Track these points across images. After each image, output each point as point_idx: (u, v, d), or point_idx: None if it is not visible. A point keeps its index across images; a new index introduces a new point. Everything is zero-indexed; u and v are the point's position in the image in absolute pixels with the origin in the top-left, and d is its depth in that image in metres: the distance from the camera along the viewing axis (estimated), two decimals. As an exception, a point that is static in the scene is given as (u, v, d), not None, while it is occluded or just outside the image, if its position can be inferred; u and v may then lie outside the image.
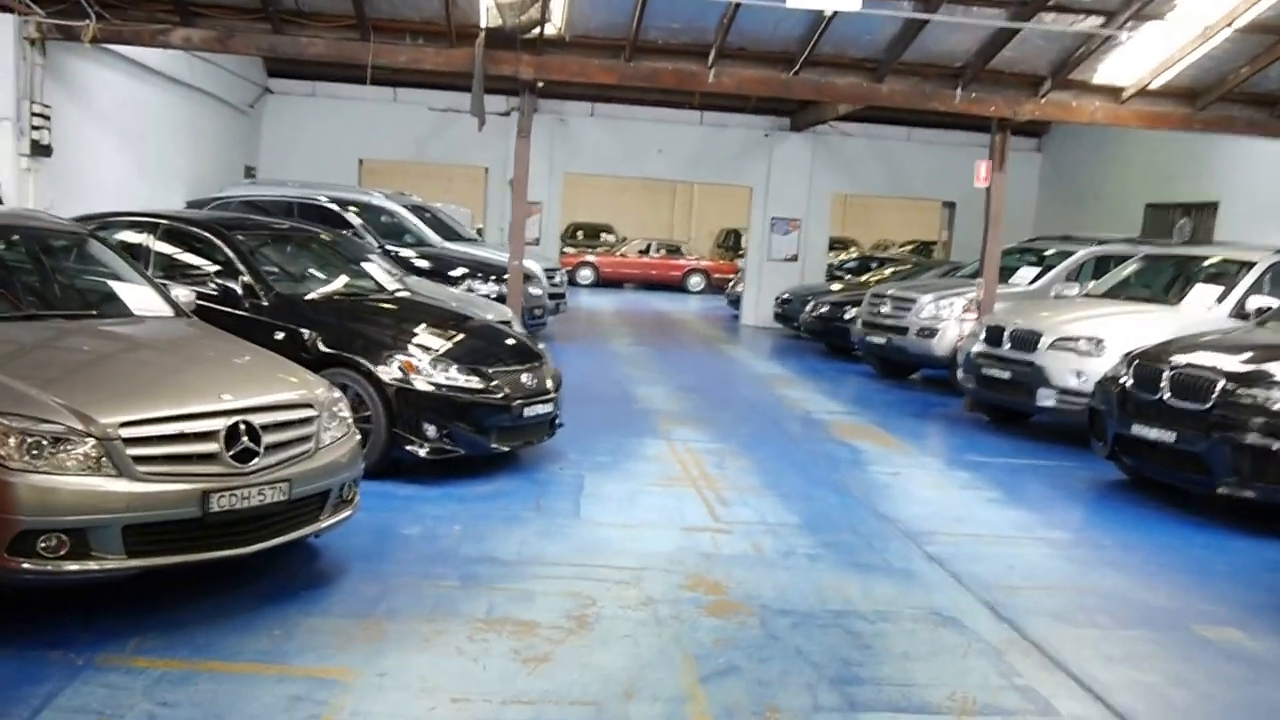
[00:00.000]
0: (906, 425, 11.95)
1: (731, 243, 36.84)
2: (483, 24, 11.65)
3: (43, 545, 4.59)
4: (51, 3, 11.07)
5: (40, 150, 11.19)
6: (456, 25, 11.84)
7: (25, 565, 4.58)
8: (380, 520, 6.86)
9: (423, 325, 8.52)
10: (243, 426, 5.16)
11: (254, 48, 12.44)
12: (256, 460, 5.17)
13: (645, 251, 35.37)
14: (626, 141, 22.33)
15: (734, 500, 8.08)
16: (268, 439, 5.26)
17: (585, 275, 34.06)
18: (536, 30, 11.89)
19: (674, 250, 35.79)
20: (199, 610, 5.16)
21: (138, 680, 4.43)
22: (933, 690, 4.87)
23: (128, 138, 14.33)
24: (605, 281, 33.96)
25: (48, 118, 11.30)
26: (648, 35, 12.43)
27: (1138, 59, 12.75)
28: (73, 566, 4.67)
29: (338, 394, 5.98)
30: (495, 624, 5.32)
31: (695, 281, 34.39)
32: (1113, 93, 13.25)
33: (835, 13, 11.52)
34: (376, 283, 9.64)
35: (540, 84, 12.97)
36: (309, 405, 5.64)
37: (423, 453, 7.76)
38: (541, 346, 9.28)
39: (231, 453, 5.09)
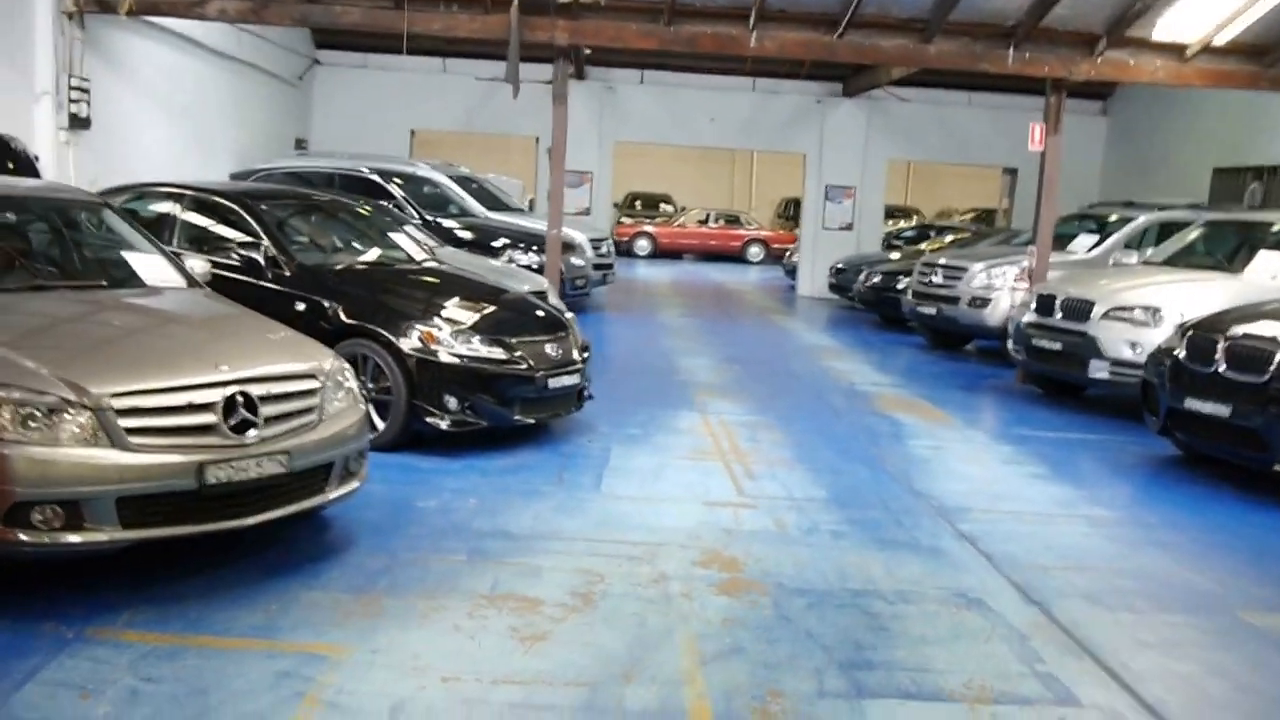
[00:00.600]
0: (953, 398, 11.63)
1: (792, 212, 36.36)
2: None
3: (37, 517, 4.53)
4: (90, -23, 11.08)
5: (79, 123, 11.21)
6: (491, -9, 11.69)
7: (20, 537, 4.52)
8: (396, 493, 6.76)
9: (448, 296, 8.39)
10: (240, 398, 5.06)
11: (288, 18, 12.38)
12: (254, 432, 5.07)
13: (704, 221, 35.07)
14: (676, 109, 22.04)
15: (762, 474, 7.87)
16: (267, 410, 5.16)
17: (643, 246, 33.86)
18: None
19: (733, 220, 35.45)
20: (196, 584, 5.07)
21: (124, 654, 4.35)
22: (948, 676, 4.65)
23: (172, 111, 14.36)
24: (663, 252, 33.73)
25: (86, 91, 11.32)
26: (685, -2, 12.18)
27: (1200, 14, 12.24)
28: (67, 538, 4.60)
29: (344, 364, 5.86)
30: (497, 600, 5.18)
31: (754, 252, 34.06)
32: (1174, 50, 12.75)
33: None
34: (406, 254, 9.53)
35: (586, 50, 12.79)
36: (312, 376, 5.53)
37: (444, 425, 7.63)
38: (569, 317, 9.11)
39: (229, 424, 4.99)
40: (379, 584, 5.31)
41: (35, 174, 9.64)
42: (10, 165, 9.31)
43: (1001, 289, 13.72)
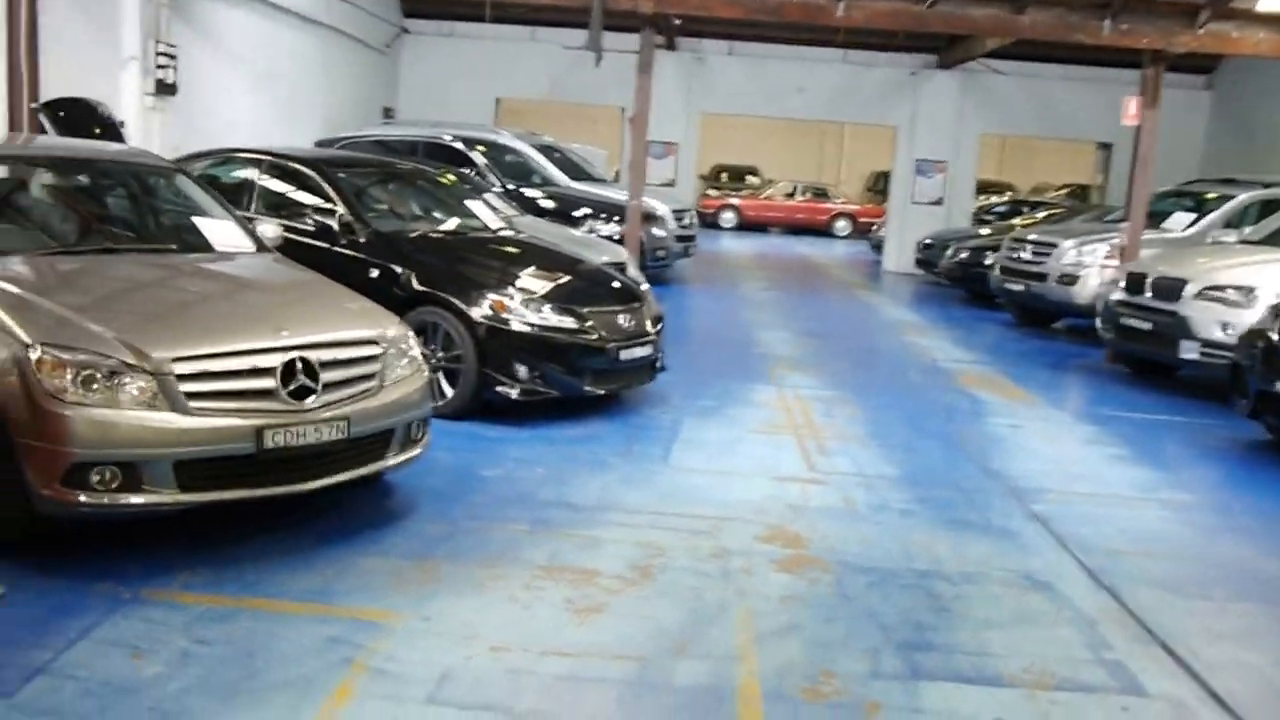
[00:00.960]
0: (1038, 376, 11.34)
1: (882, 186, 35.84)
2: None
3: (95, 478, 4.58)
4: (176, -57, 11.21)
5: (165, 89, 11.38)
6: (574, -43, 11.58)
7: (78, 497, 4.58)
8: (462, 460, 6.76)
9: (522, 265, 8.37)
10: (300, 363, 5.07)
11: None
12: (314, 397, 5.08)
13: (790, 195, 34.70)
14: (765, 80, 21.78)
15: (834, 450, 7.74)
16: (326, 376, 5.16)
17: (728, 219, 33.63)
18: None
19: (820, 193, 35.03)
20: (254, 547, 5.11)
21: (179, 615, 4.40)
22: (1008, 661, 4.51)
23: (259, 78, 14.53)
24: (749, 225, 33.47)
25: (173, 57, 11.48)
26: (772, -34, 11.96)
27: (1309, -17, 11.71)
28: (125, 499, 4.66)
29: (408, 331, 5.85)
30: (554, 571, 5.15)
31: (841, 226, 33.64)
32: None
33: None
34: (483, 223, 9.51)
35: (676, 21, 12.63)
36: (373, 342, 5.52)
37: (513, 394, 7.61)
38: (645, 288, 9.03)
39: (288, 389, 5.01)
40: (438, 551, 5.31)
41: (120, 139, 9.80)
42: (96, 130, 9.47)
43: (1091, 266, 13.32)
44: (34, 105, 9.69)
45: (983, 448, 8.08)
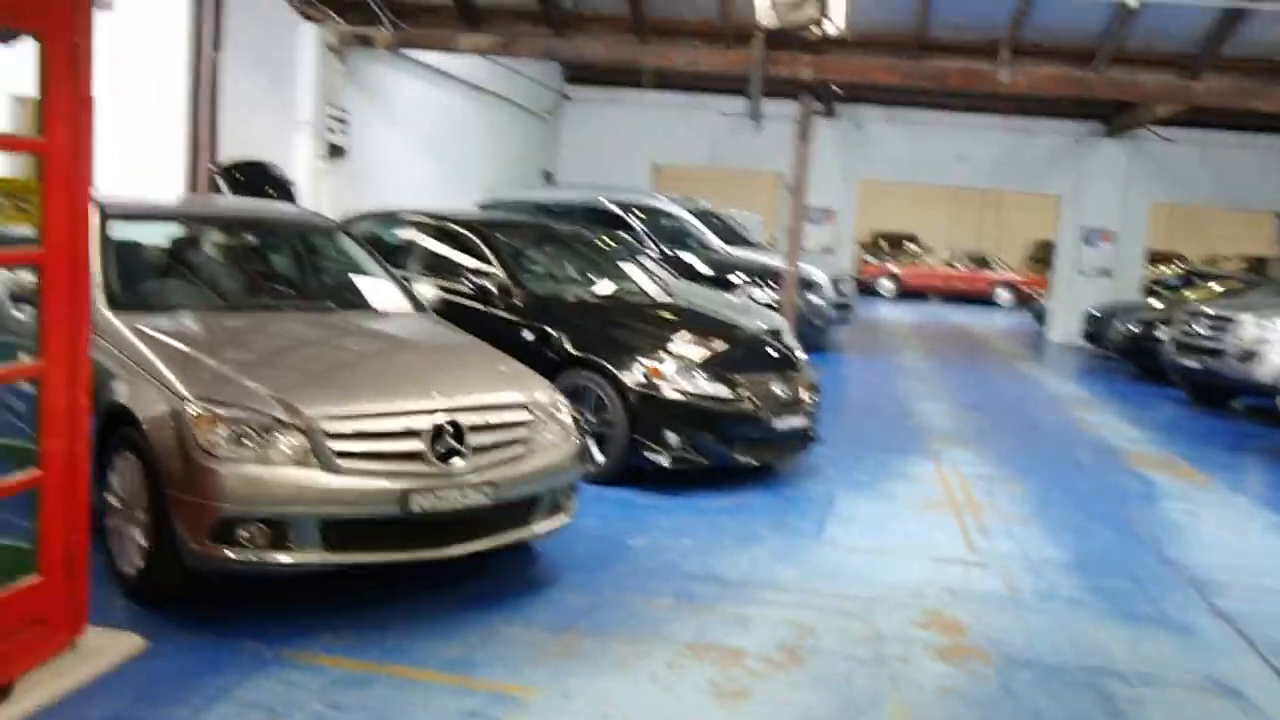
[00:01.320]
0: (1215, 458, 10.68)
1: (1044, 255, 34.82)
2: (759, 23, 11.31)
3: (243, 534, 4.59)
4: (351, 11, 11.58)
5: (335, 152, 11.74)
6: (734, 25, 11.61)
7: (225, 553, 4.59)
8: (609, 528, 6.63)
9: (676, 331, 8.25)
10: (449, 426, 5.02)
11: (535, 51, 12.66)
12: (461, 461, 5.02)
13: (950, 263, 34.03)
14: (924, 147, 21.43)
15: (996, 530, 7.35)
16: (475, 440, 5.10)
17: (886, 286, 33.13)
18: (816, 30, 11.44)
19: (981, 262, 34.26)
20: (396, 612, 5.05)
21: (317, 679, 4.34)
22: (1194, 775, 4.13)
23: (425, 141, 14.89)
24: (907, 293, 32.91)
25: (344, 121, 11.84)
26: (933, 31, 11.75)
27: None
28: (271, 557, 4.65)
29: (559, 397, 5.77)
30: (700, 650, 4.95)
31: (1002, 295, 32.79)
32: None
33: (1142, 3, 10.45)
34: (639, 287, 9.46)
35: (836, 89, 12.52)
36: (524, 407, 5.45)
37: (664, 461, 7.47)
38: (802, 357, 8.83)
39: (436, 452, 4.95)
40: (580, 623, 5.16)
41: (291, 199, 10.09)
42: (269, 190, 9.77)
43: (1273, 341, 12.55)
44: (211, 166, 10.07)
45: (1157, 533, 7.58)
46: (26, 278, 4.82)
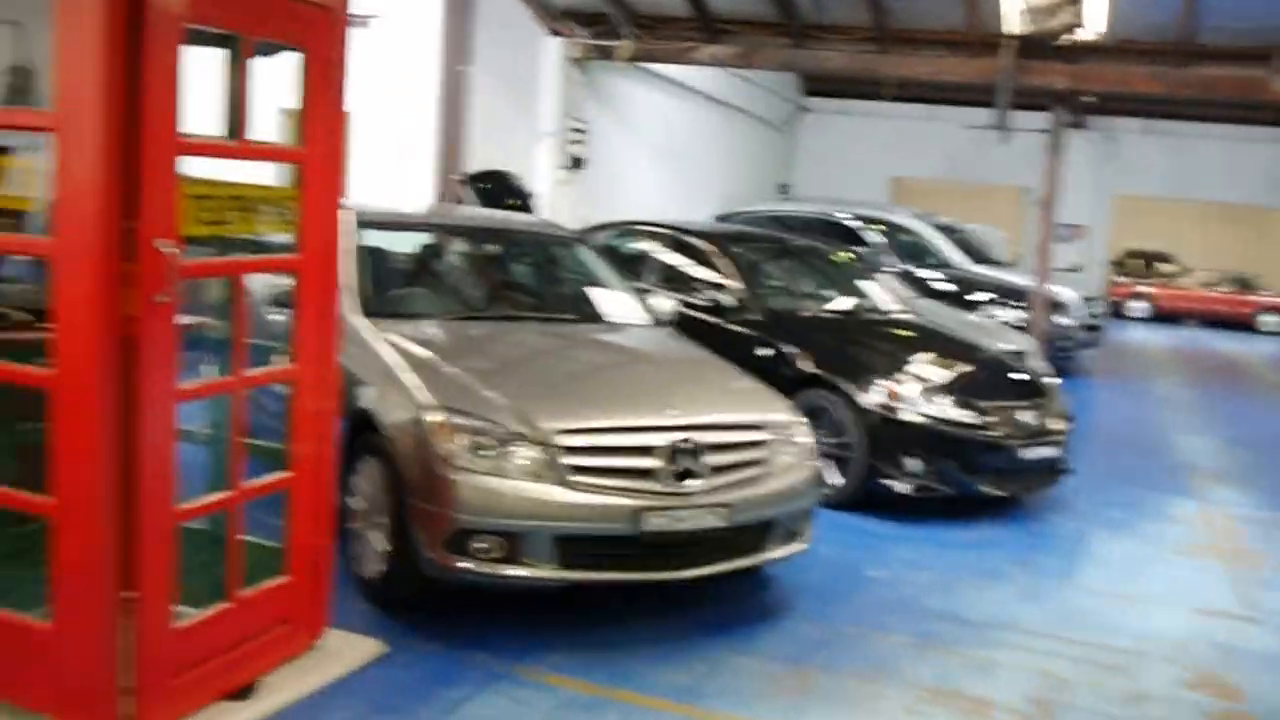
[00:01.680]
0: None
1: (1317, 279, 32.30)
2: (1009, 31, 10.77)
3: (477, 546, 4.56)
4: (593, 25, 11.69)
5: (576, 163, 11.86)
6: (980, 33, 11.11)
7: (459, 564, 4.57)
8: (843, 556, 6.35)
9: (917, 351, 7.89)
10: (686, 445, 4.87)
11: (775, 62, 12.48)
12: (697, 481, 4.86)
13: (1210, 284, 31.92)
14: (1185, 160, 20.19)
15: (1274, 583, 6.69)
16: (712, 460, 4.93)
17: (1139, 307, 31.33)
18: (1070, 36, 10.81)
19: (1244, 284, 31.99)
20: (625, 633, 4.93)
21: (546, 699, 4.26)
22: None
23: (662, 153, 14.93)
24: (1162, 316, 31.04)
25: (584, 132, 11.96)
26: (1201, 37, 10.91)
27: None
28: (504, 571, 4.60)
29: (799, 418, 5.55)
30: (942, 696, 4.63)
31: (1269, 321, 30.52)
32: None
33: None
34: (877, 304, 9.13)
35: (1089, 99, 11.87)
36: (763, 427, 5.26)
37: (902, 488, 7.13)
38: (1051, 382, 8.31)
39: (671, 471, 4.81)
40: (813, 657, 4.92)
41: (529, 210, 10.23)
42: (509, 201, 9.92)
43: None
44: (454, 177, 10.31)
45: None
46: (281, 282, 4.98)
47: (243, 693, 3.94)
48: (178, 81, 3.41)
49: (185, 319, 3.65)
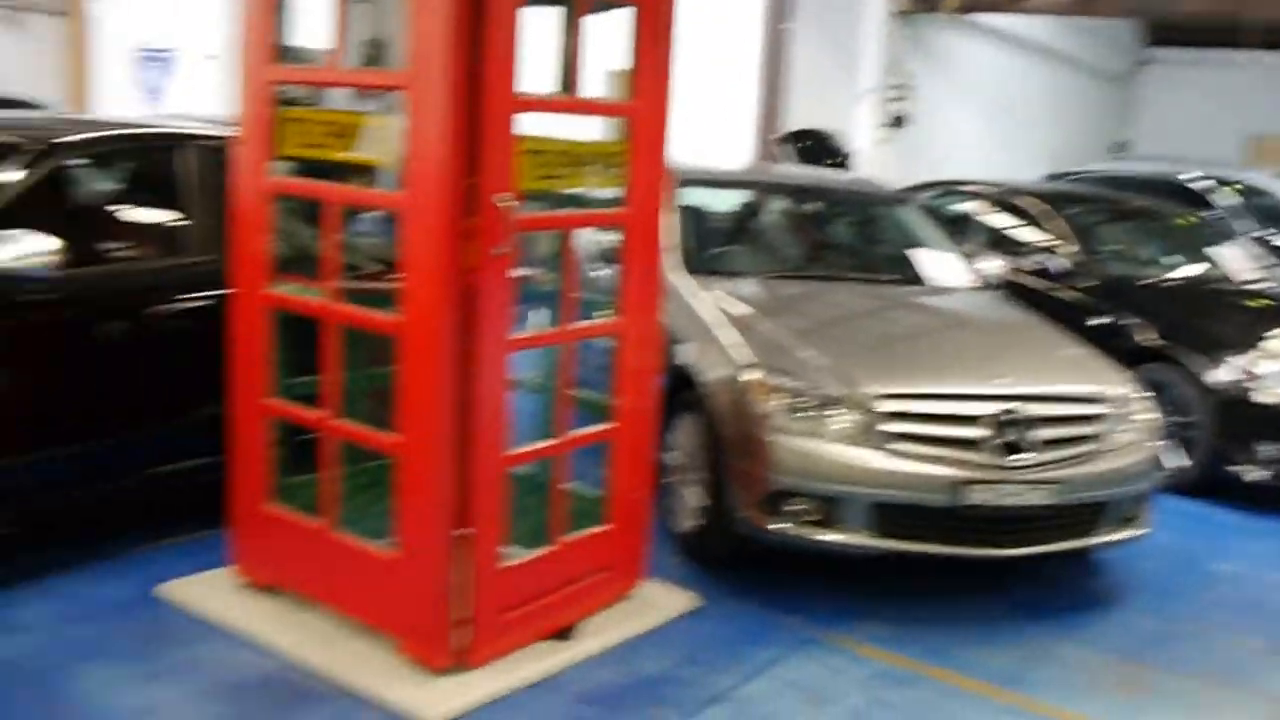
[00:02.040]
0: None
1: None
2: None
3: (792, 508, 4.50)
4: (919, -23, 11.29)
5: (898, 121, 11.50)
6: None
7: (775, 526, 4.52)
8: (1185, 546, 5.86)
9: (1274, 326, 7.18)
10: (1014, 416, 4.61)
11: (1120, 9, 11.60)
12: (1024, 455, 4.59)
13: None
14: None
15: None
16: (1039, 433, 4.65)
17: None
18: None
19: None
20: (940, 609, 4.74)
21: (859, 669, 4.16)
22: None
23: (985, 108, 14.29)
24: None
25: (907, 89, 11.57)
26: None
27: None
28: (819, 535, 4.51)
29: (1140, 392, 5.15)
30: (1302, 710, 4.21)
31: None
32: None
33: None
34: (1228, 272, 8.37)
35: None
36: (1098, 400, 4.91)
37: (1256, 476, 6.52)
38: None
39: (996, 443, 4.57)
40: (1151, 654, 4.57)
41: (845, 168, 10.01)
42: (827, 160, 9.75)
43: None
44: (773, 136, 10.22)
45: None
46: (604, 239, 5.06)
47: (563, 634, 4.06)
48: (516, 41, 3.48)
49: (517, 272, 3.74)
